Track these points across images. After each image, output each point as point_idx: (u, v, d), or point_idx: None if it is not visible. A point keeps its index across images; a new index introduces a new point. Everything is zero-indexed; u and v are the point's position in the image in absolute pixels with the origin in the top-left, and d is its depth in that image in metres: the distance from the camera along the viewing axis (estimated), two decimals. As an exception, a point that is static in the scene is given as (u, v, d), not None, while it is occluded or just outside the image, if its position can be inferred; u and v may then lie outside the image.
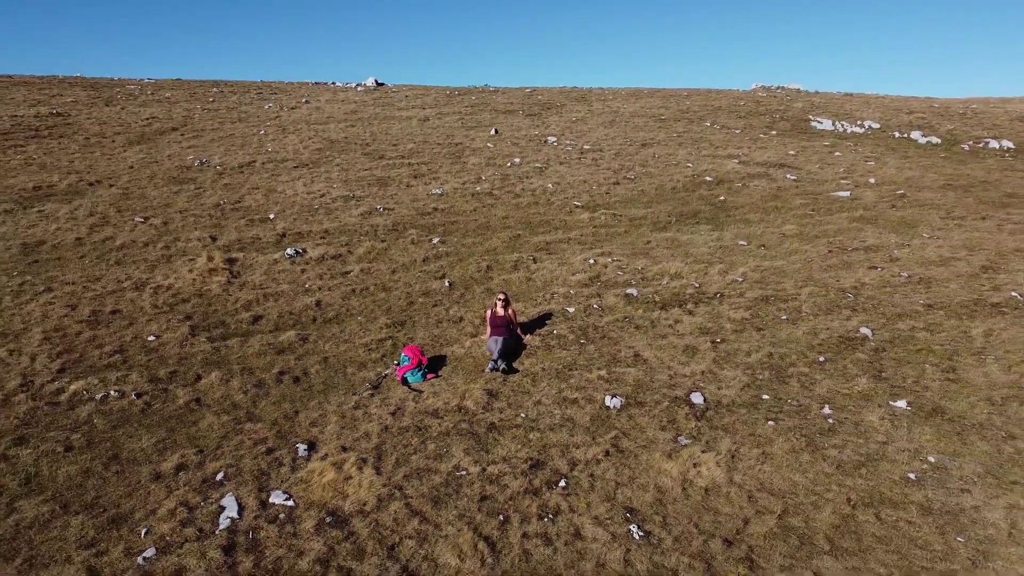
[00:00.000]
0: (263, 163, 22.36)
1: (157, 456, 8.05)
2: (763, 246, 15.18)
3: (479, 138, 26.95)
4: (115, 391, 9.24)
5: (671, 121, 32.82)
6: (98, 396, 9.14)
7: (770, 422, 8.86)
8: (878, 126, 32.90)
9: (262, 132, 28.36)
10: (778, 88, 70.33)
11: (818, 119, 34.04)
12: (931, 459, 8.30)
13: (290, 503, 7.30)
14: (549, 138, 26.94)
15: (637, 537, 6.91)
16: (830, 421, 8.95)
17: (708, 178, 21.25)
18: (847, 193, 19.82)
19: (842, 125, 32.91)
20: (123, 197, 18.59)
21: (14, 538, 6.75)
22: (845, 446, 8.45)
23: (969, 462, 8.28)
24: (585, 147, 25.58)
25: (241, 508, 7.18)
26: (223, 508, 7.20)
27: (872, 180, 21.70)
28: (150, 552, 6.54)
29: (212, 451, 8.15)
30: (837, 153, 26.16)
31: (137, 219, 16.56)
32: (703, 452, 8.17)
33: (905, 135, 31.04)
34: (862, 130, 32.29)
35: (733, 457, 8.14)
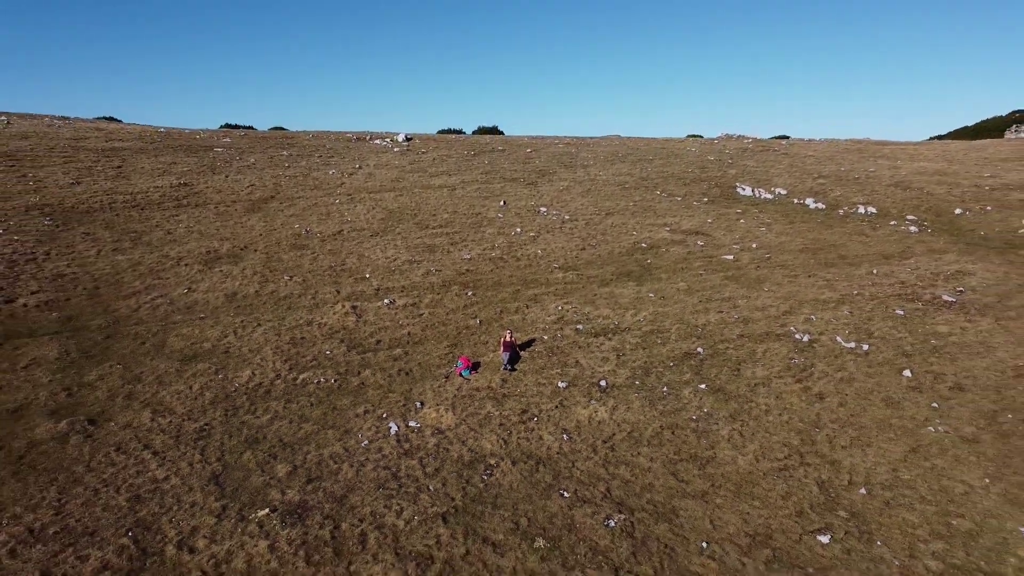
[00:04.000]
0: (348, 232, 30.84)
1: (353, 407, 16.45)
2: (663, 297, 23.52)
3: (492, 208, 35.43)
4: (322, 379, 17.67)
5: (632, 189, 41.29)
6: (315, 381, 17.56)
7: (635, 394, 17.22)
8: (785, 192, 41.26)
9: (337, 201, 36.82)
10: (738, 137, 79.03)
11: (743, 186, 42.42)
12: (706, 411, 16.64)
13: (418, 425, 15.68)
14: (541, 208, 35.41)
15: (565, 439, 15.28)
16: (665, 394, 17.31)
17: (644, 244, 29.63)
18: (731, 256, 28.14)
19: (759, 192, 41.28)
20: (268, 260, 27.03)
21: (306, 438, 15.15)
22: (668, 405, 16.80)
23: (724, 412, 16.63)
24: (566, 217, 34.01)
25: (397, 428, 15.56)
26: (390, 427, 15.58)
27: (754, 245, 30.03)
28: (365, 442, 14.92)
29: (377, 404, 16.55)
30: (742, 221, 34.46)
31: (285, 278, 25.01)
32: (600, 406, 16.53)
33: (802, 201, 39.37)
34: (772, 196, 40.65)
35: (614, 409, 16.49)
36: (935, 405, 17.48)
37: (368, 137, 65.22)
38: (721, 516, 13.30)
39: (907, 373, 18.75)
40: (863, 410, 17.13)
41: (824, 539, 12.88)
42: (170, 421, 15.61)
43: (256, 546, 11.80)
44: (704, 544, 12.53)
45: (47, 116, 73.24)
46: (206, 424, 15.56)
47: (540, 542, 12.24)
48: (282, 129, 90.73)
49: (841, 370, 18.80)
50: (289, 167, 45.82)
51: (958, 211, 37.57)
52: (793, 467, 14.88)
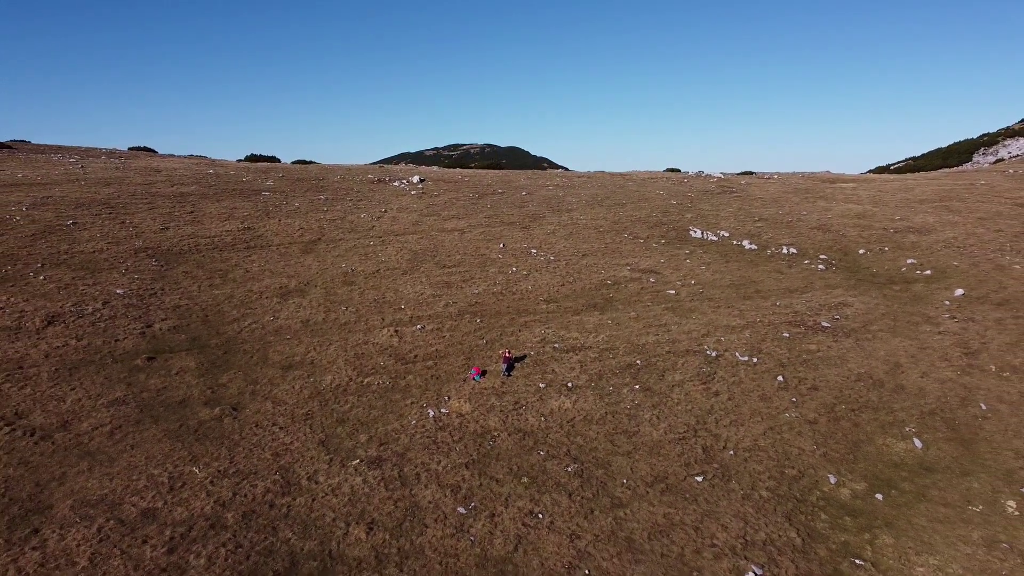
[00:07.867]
0: (384, 271, 37.78)
1: (403, 400, 23.29)
2: (617, 324, 30.44)
3: (494, 250, 42.47)
4: (380, 381, 24.50)
5: (606, 232, 48.40)
6: (376, 383, 24.39)
7: (591, 392, 24.10)
8: (728, 235, 48.37)
9: (371, 243, 43.77)
10: (705, 175, 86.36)
11: (695, 229, 49.53)
12: (636, 403, 23.52)
13: (447, 411, 22.54)
14: (532, 250, 42.46)
15: (543, 420, 22.16)
16: (611, 391, 24.18)
17: (609, 281, 36.62)
18: (674, 291, 35.11)
19: (707, 234, 48.38)
20: (326, 295, 33.92)
21: (375, 419, 21.97)
22: (611, 399, 23.67)
23: (648, 403, 23.51)
24: (551, 257, 41.05)
25: (434, 413, 22.41)
26: (428, 413, 22.43)
27: (693, 282, 37.01)
28: (413, 422, 21.79)
29: (419, 398, 23.40)
30: (688, 261, 41.48)
31: (342, 308, 31.89)
32: (566, 399, 23.40)
33: (739, 243, 46.44)
34: (717, 238, 47.75)
35: (575, 401, 23.37)
36: (794, 400, 24.33)
37: (388, 179, 72.27)
38: (637, 466, 20.14)
39: (780, 378, 25.63)
40: (744, 403, 24.00)
41: (699, 479, 19.71)
42: (285, 408, 22.44)
43: (355, 480, 18.62)
44: (625, 481, 19.36)
45: (103, 155, 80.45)
46: (309, 411, 22.39)
47: (525, 479, 19.08)
48: (305, 162, 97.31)
49: (734, 376, 25.69)
50: (327, 211, 52.72)
51: (862, 251, 44.60)
52: (688, 438, 21.73)
